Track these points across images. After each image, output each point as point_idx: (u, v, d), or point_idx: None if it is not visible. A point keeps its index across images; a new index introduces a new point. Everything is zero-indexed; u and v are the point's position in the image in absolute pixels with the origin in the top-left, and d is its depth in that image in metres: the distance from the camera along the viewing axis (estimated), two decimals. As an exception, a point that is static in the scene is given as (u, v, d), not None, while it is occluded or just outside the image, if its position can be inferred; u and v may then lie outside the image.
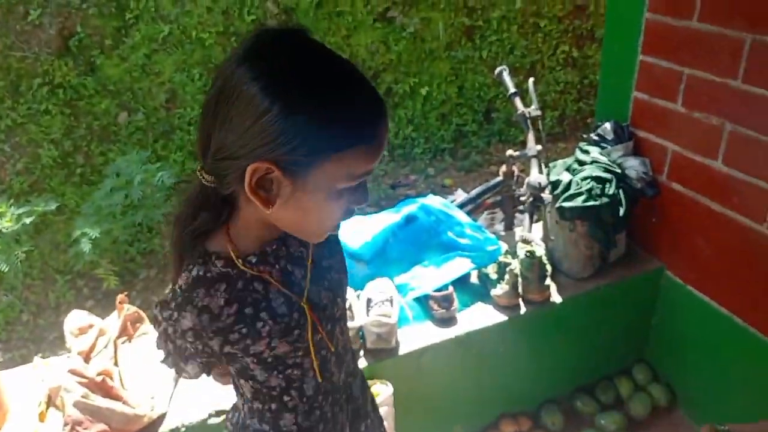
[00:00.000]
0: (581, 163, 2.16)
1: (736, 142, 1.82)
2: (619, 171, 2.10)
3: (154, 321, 0.92)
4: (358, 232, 2.04)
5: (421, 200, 2.18)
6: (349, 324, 1.70)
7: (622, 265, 2.19)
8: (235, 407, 1.10)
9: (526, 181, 2.07)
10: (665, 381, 2.32)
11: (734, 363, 2.02)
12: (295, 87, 0.72)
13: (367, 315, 1.79)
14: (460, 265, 2.02)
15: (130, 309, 1.82)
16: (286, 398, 0.99)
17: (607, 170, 2.09)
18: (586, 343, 2.23)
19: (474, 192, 2.54)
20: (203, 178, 0.81)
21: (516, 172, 2.40)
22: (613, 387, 2.32)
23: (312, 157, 0.74)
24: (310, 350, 0.95)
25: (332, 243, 1.04)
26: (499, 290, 1.98)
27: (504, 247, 2.08)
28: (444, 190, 4.41)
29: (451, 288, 1.96)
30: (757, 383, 1.95)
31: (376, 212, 2.23)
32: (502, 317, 1.96)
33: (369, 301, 1.84)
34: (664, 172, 2.12)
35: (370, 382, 1.78)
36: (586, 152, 2.18)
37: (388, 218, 2.10)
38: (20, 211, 3.39)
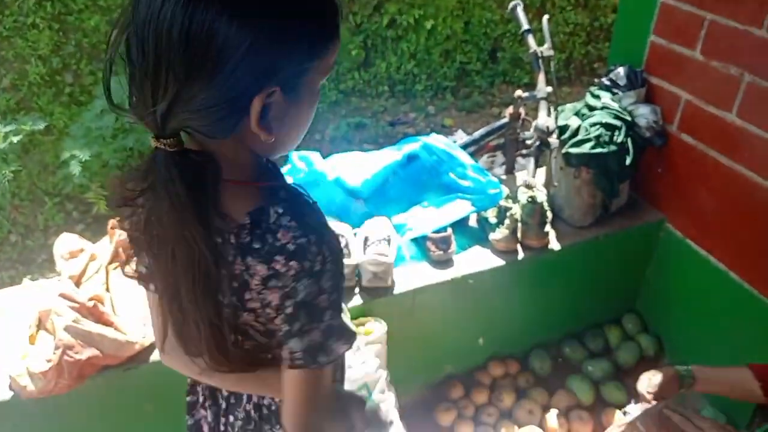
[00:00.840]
0: (591, 108, 2.09)
1: (753, 94, 1.76)
2: (629, 118, 2.04)
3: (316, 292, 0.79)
4: (358, 169, 1.98)
5: (424, 139, 2.11)
6: (346, 261, 1.68)
7: (623, 215, 2.16)
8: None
9: (534, 124, 2.01)
10: (654, 332, 2.34)
11: (725, 318, 2.03)
12: (271, 7, 0.68)
13: (364, 253, 1.76)
14: (460, 208, 1.98)
15: (122, 235, 1.77)
16: None
17: (617, 117, 2.02)
18: (579, 291, 2.24)
19: (478, 133, 2.47)
20: (166, 146, 0.71)
21: (522, 115, 2.33)
22: (603, 335, 2.34)
23: (305, 66, 0.74)
24: None
25: None
26: (498, 234, 1.95)
27: (504, 191, 2.04)
28: (444, 130, 4.33)
29: (449, 230, 1.93)
30: (747, 339, 1.96)
31: (376, 150, 2.17)
32: (499, 261, 1.94)
33: (366, 239, 1.81)
34: (675, 121, 2.06)
35: (364, 319, 1.79)
36: (597, 97, 2.11)
37: (389, 156, 2.05)
38: (7, 129, 3.28)
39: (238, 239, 0.77)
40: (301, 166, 1.92)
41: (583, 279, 2.20)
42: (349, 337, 0.86)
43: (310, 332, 0.80)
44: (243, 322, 0.86)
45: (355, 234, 1.85)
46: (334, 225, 1.80)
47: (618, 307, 2.42)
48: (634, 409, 1.83)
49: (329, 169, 1.97)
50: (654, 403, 1.47)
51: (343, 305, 1.13)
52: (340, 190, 1.92)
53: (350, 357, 1.63)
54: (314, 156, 1.97)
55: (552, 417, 2.05)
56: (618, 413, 2.06)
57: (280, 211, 0.77)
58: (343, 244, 1.74)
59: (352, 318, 1.75)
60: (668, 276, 2.23)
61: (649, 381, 1.51)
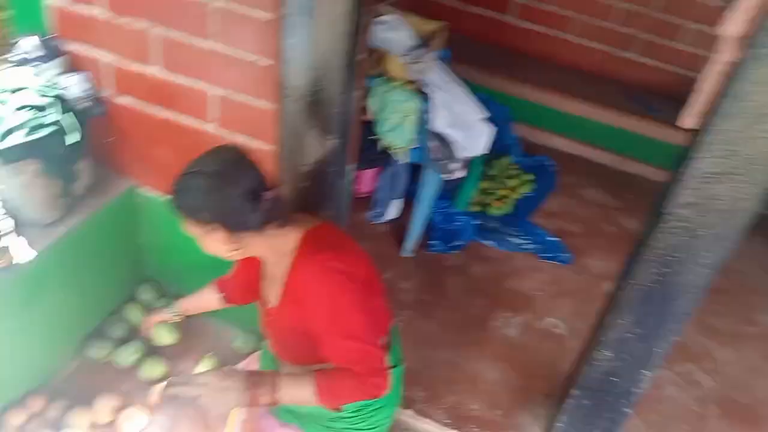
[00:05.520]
0: (13, 90, 1.80)
1: (169, 45, 1.80)
2: (58, 93, 1.85)
3: None
4: None
5: None
6: None
7: (93, 195, 2.01)
8: None
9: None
10: (171, 291, 2.36)
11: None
12: None
13: None
14: None
15: None
16: None
17: (45, 94, 1.80)
18: (80, 290, 2.04)
19: None
20: None
21: None
22: (123, 319, 2.23)
23: None
24: None
25: None
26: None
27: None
28: None
29: None
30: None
31: None
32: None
33: None
34: (108, 85, 1.97)
35: None
36: (14, 76, 1.82)
37: None
38: None
39: None
40: None
41: (79, 275, 2.00)
42: None
43: None
44: None
45: None
46: None
47: (128, 284, 2.33)
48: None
49: None
50: None
51: None
52: None
53: None
54: None
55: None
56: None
57: None
58: None
59: None
60: (159, 235, 2.24)
61: None
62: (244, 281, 1.73)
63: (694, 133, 1.36)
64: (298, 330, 1.41)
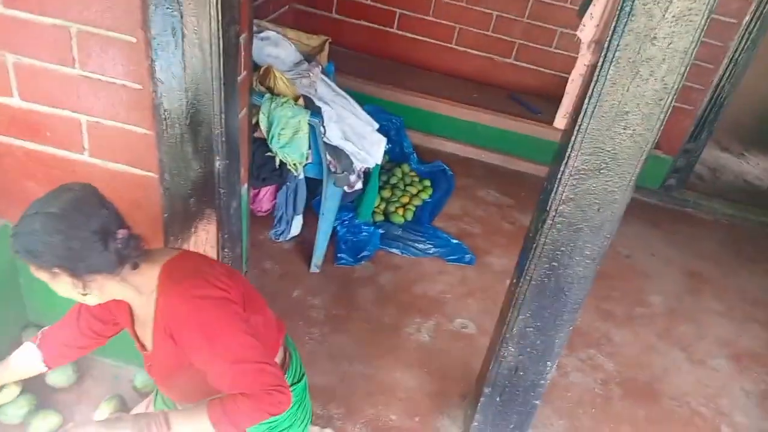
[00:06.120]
0: None
1: (25, 74, 1.67)
2: None
3: None
4: None
5: None
6: None
7: (-43, 240, 1.84)
8: None
9: None
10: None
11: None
12: None
13: None
14: None
15: None
16: None
17: None
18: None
19: None
20: None
21: None
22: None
23: None
24: None
25: None
26: None
27: None
28: None
29: None
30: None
31: None
32: None
33: None
34: (-37, 120, 1.80)
35: None
36: None
37: None
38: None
39: None
40: None
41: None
42: None
43: None
44: None
45: None
46: None
47: (11, 330, 2.14)
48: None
49: None
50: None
51: None
52: None
53: None
54: None
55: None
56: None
57: None
58: None
59: None
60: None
61: None
62: (71, 335, 1.54)
63: (566, 133, 1.43)
64: (182, 367, 1.34)
